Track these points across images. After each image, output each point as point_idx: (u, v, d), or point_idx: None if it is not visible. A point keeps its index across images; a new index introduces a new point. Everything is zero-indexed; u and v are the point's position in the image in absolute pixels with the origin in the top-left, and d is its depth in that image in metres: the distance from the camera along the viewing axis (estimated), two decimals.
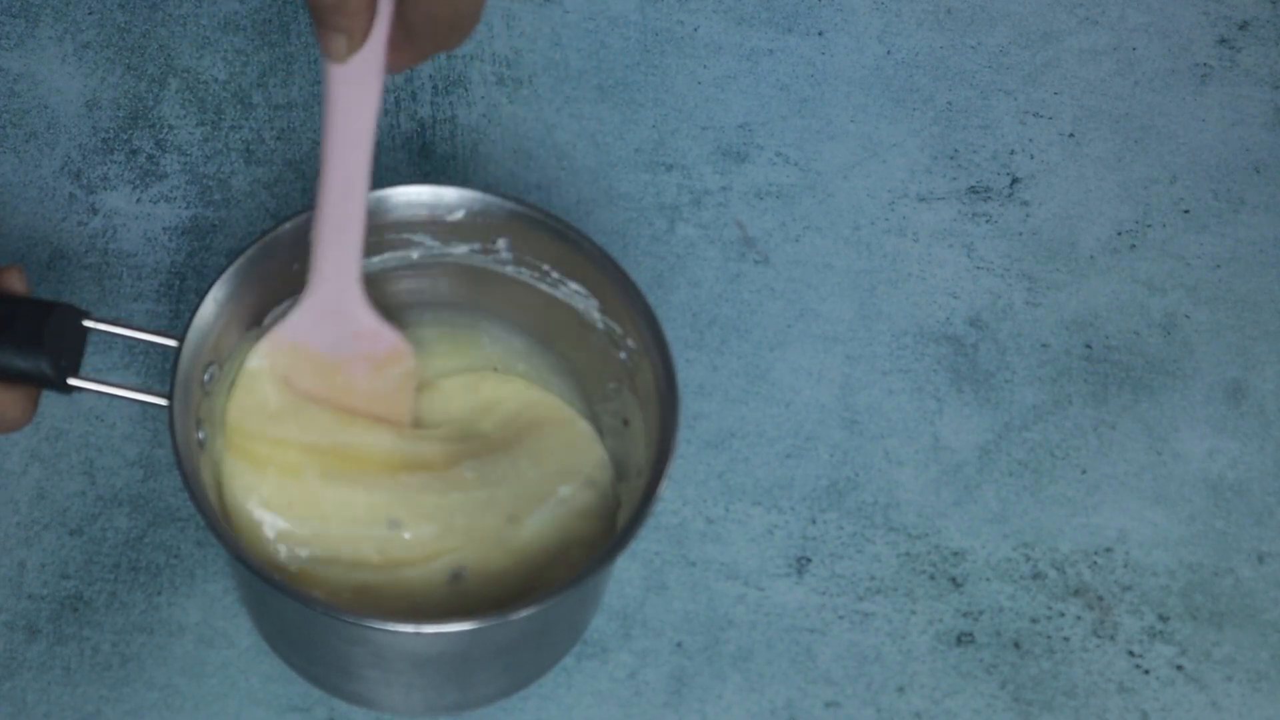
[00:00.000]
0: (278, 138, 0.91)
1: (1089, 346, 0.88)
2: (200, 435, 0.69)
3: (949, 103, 0.96)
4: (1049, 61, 0.99)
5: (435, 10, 0.62)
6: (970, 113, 0.96)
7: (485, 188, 0.72)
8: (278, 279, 0.71)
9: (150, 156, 0.90)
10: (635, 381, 0.72)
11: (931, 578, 0.80)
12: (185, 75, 0.93)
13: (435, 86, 0.94)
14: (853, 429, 0.84)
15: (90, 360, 0.82)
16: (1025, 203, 0.93)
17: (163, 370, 0.83)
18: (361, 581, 0.71)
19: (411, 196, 0.72)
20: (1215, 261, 0.92)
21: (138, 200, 0.88)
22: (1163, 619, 0.80)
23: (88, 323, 0.67)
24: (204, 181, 0.89)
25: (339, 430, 0.73)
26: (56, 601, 0.76)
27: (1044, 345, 0.88)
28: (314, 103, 0.93)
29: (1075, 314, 0.89)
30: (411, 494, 0.73)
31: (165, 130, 0.91)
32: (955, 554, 0.81)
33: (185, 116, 0.92)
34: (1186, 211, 0.93)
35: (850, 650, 0.78)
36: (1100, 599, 0.80)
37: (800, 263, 0.90)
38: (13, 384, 0.65)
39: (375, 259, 0.74)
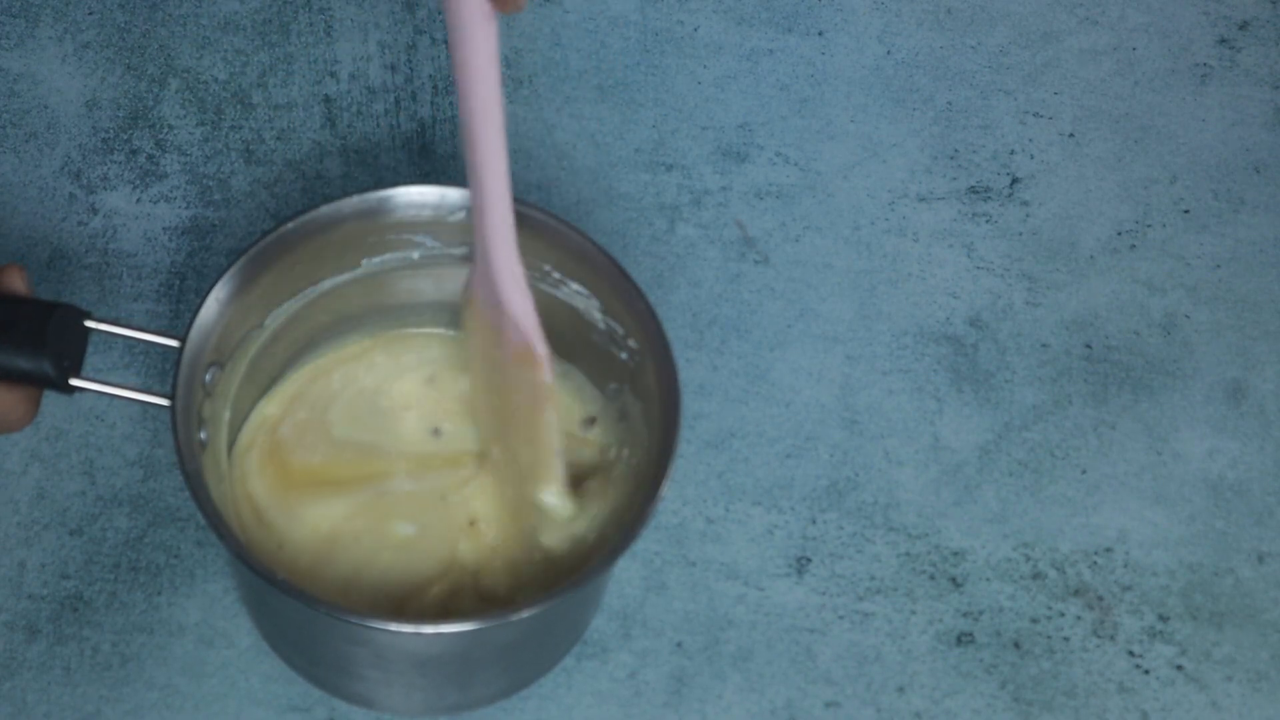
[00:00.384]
0: (278, 138, 0.91)
1: (1089, 346, 0.88)
2: (202, 435, 0.68)
3: (949, 103, 0.96)
4: (1049, 61, 0.99)
5: None
6: (970, 113, 0.96)
7: None
8: (280, 279, 0.71)
9: (150, 156, 0.90)
10: (636, 382, 0.72)
11: (931, 578, 0.80)
12: (185, 75, 0.93)
13: (435, 86, 0.94)
14: (853, 429, 0.84)
15: (90, 360, 0.82)
16: (1025, 203, 0.93)
17: (163, 370, 0.83)
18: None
19: (414, 196, 0.72)
20: (1215, 261, 0.92)
21: (138, 200, 0.88)
22: (1163, 619, 0.80)
23: (89, 323, 0.67)
24: (204, 181, 0.89)
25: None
26: (56, 601, 0.76)
27: (1044, 345, 0.88)
28: (314, 103, 0.93)
29: (1075, 314, 0.89)
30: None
31: (165, 130, 0.91)
32: (955, 554, 0.81)
33: (185, 116, 0.92)
34: (1186, 211, 0.94)
35: (850, 650, 0.78)
36: (1100, 599, 0.80)
37: (800, 263, 0.90)
38: (15, 384, 0.65)
39: (376, 259, 0.74)
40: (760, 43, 0.98)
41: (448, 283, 0.76)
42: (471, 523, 0.73)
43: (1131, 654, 0.79)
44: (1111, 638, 0.79)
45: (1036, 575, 0.81)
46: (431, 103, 0.93)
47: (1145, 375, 0.87)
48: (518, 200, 0.72)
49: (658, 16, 0.98)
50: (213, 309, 0.68)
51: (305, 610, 0.64)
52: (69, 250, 0.86)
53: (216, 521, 0.64)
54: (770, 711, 0.76)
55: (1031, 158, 0.95)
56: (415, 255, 0.75)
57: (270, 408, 0.76)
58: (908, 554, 0.81)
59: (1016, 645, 0.79)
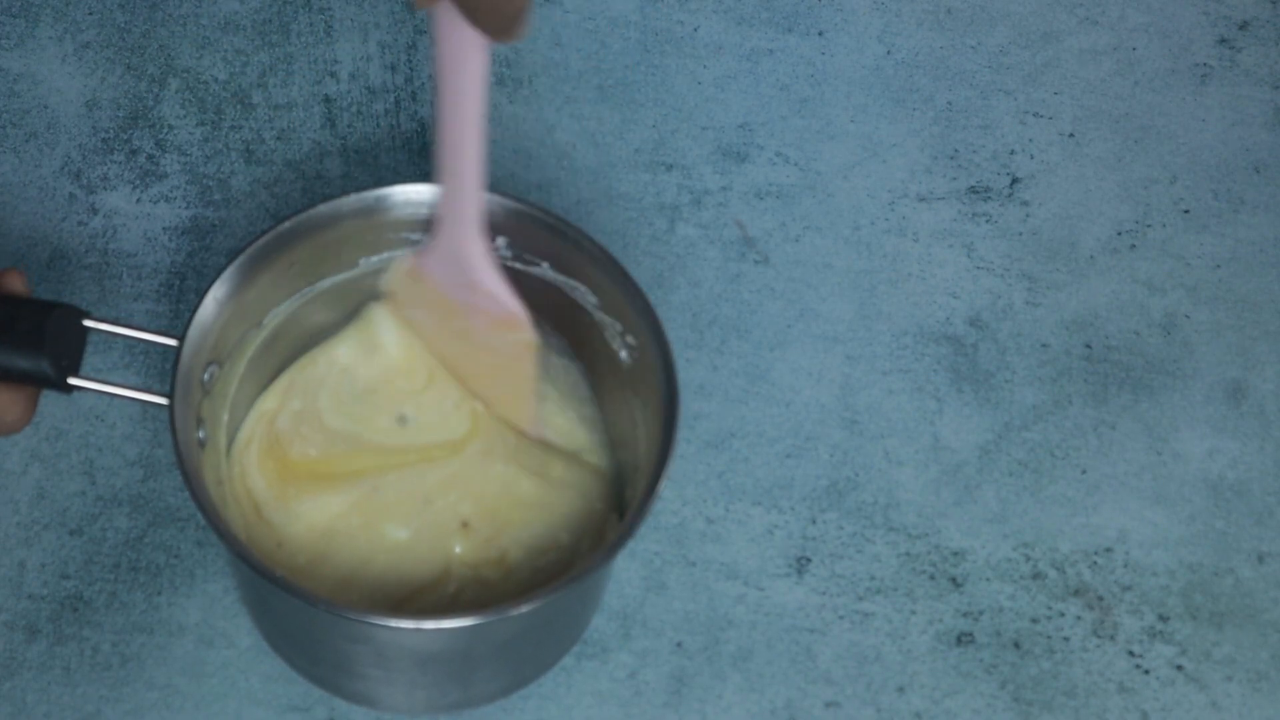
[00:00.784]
0: (278, 138, 0.91)
1: (1089, 346, 0.88)
2: (201, 434, 0.69)
3: (949, 103, 0.96)
4: (1049, 61, 0.99)
5: None
6: (970, 113, 0.96)
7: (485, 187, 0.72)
8: (278, 278, 0.71)
9: (150, 156, 0.90)
10: (636, 382, 0.72)
11: (931, 578, 0.80)
12: (185, 75, 0.93)
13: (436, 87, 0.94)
14: (853, 429, 0.84)
15: (90, 360, 0.82)
16: (1025, 203, 0.93)
17: (162, 370, 0.83)
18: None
19: (412, 196, 0.72)
20: (1215, 261, 0.92)
21: (138, 200, 0.88)
22: (1163, 619, 0.80)
23: (88, 322, 0.67)
24: (204, 181, 0.89)
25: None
26: (56, 601, 0.76)
27: (1044, 345, 0.88)
28: (314, 103, 0.93)
29: (1075, 314, 0.89)
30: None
31: (165, 130, 0.91)
32: (955, 554, 0.81)
33: (185, 116, 0.92)
34: (1186, 211, 0.93)
35: (850, 650, 0.78)
36: (1100, 599, 0.80)
37: (800, 263, 0.90)
38: (13, 384, 0.65)
39: (375, 258, 0.74)
40: (760, 43, 0.98)
41: None
42: (464, 524, 0.73)
43: (1131, 654, 0.79)
44: (1111, 638, 0.79)
45: (1036, 575, 0.81)
46: (431, 103, 0.93)
47: (1145, 375, 0.87)
48: (518, 200, 0.72)
49: (658, 16, 0.98)
50: (211, 308, 0.68)
51: (306, 608, 0.64)
52: (69, 250, 0.86)
53: (216, 521, 0.64)
54: (770, 711, 0.76)
55: (1031, 158, 0.95)
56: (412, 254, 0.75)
57: (268, 401, 0.76)
58: (908, 554, 0.81)
59: (1016, 645, 0.79)
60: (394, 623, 0.63)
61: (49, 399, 0.80)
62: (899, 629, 0.79)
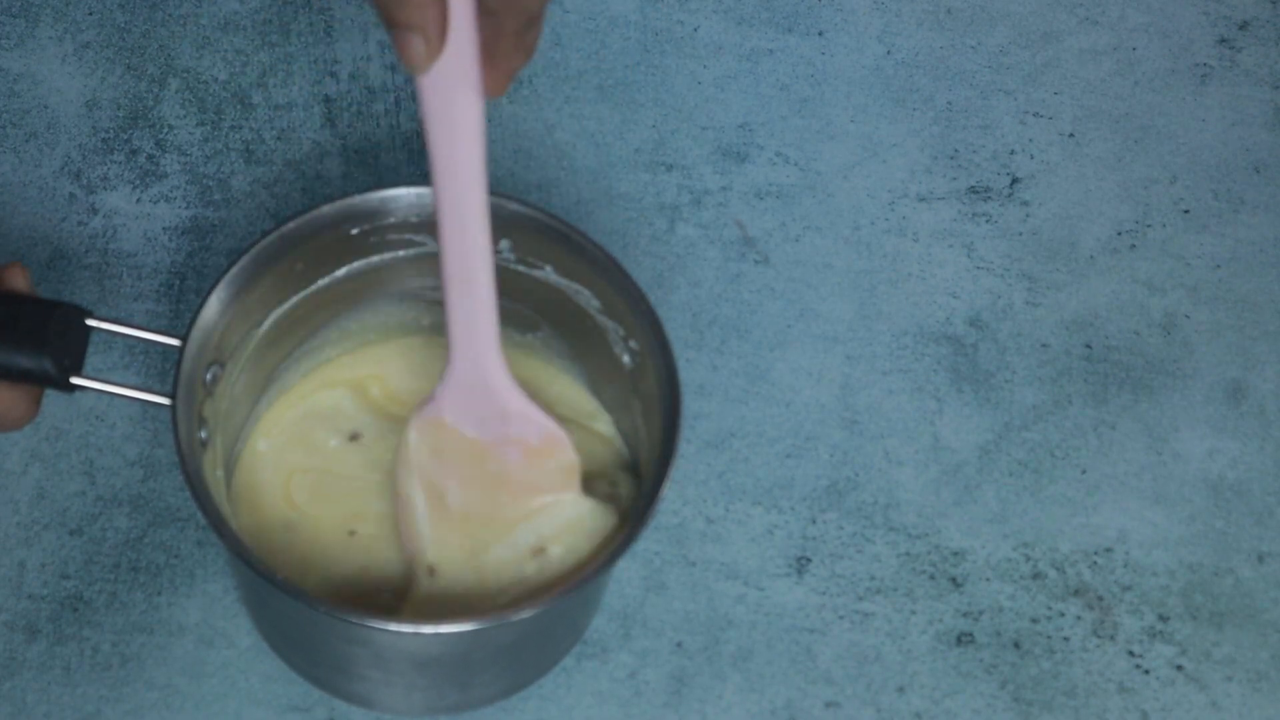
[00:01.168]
0: (278, 138, 0.91)
1: (1089, 346, 0.88)
2: (202, 435, 0.68)
3: (949, 103, 0.96)
4: (1049, 61, 0.99)
5: None
6: (970, 113, 0.96)
7: None
8: (281, 279, 0.71)
9: (150, 156, 0.90)
10: (637, 382, 0.73)
11: (931, 578, 0.80)
12: (185, 75, 0.93)
13: None
14: (853, 429, 0.84)
15: (91, 360, 0.82)
16: (1025, 203, 0.93)
17: (163, 370, 0.83)
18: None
19: (412, 197, 0.72)
20: (1215, 261, 0.92)
21: (138, 200, 0.88)
22: (1163, 619, 0.80)
23: (90, 322, 0.67)
24: (204, 181, 0.89)
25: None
26: (56, 601, 0.76)
27: (1044, 345, 0.88)
28: (314, 103, 0.93)
29: (1075, 314, 0.89)
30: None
31: (165, 130, 0.91)
32: (955, 554, 0.81)
33: (185, 116, 0.92)
34: (1186, 211, 0.94)
35: (850, 650, 0.78)
36: (1100, 599, 0.80)
37: (800, 263, 0.90)
38: (15, 382, 0.65)
39: (375, 259, 0.74)
40: (760, 43, 0.98)
41: None
42: (431, 572, 0.71)
43: (1131, 654, 0.79)
44: (1111, 638, 0.79)
45: (1036, 575, 0.81)
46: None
47: (1145, 375, 0.87)
48: (522, 203, 0.72)
49: (658, 16, 0.98)
50: (214, 308, 0.68)
51: (305, 610, 0.64)
52: (69, 250, 0.86)
53: (216, 521, 0.64)
54: (770, 711, 0.76)
55: (1031, 158, 0.95)
56: (414, 255, 0.74)
57: (260, 443, 0.75)
58: (908, 554, 0.81)
59: (1016, 645, 0.79)
60: (393, 626, 0.63)
61: (49, 398, 0.80)
62: (899, 629, 0.79)
